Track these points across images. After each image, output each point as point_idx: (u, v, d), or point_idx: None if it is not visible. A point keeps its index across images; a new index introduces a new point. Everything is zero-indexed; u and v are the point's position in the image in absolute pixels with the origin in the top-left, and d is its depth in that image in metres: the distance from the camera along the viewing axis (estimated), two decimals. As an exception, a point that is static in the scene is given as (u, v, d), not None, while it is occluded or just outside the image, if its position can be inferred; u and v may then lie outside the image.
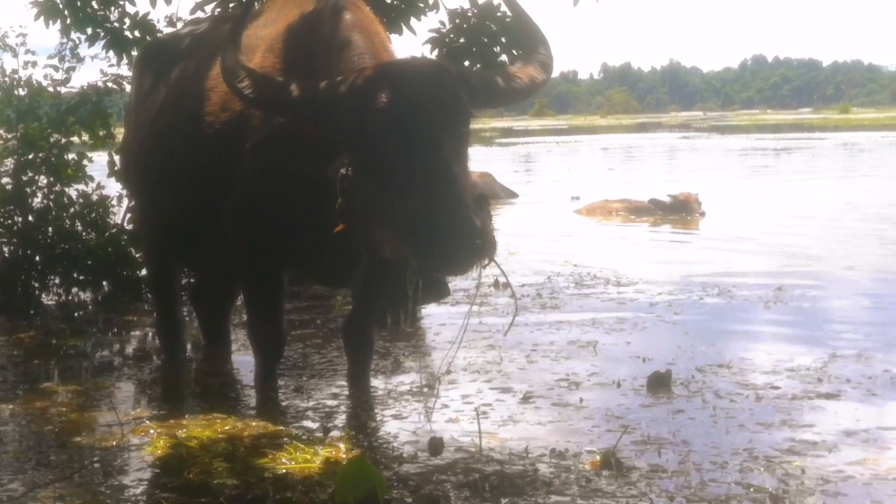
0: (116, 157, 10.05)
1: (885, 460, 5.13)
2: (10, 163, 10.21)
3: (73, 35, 10.53)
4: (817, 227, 15.08)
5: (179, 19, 10.67)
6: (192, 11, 10.45)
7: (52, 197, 10.25)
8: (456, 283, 10.30)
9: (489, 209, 4.93)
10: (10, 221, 10.14)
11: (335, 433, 5.73)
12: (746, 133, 64.08)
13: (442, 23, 10.87)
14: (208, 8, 10.34)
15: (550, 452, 5.28)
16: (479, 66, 10.82)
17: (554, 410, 6.10)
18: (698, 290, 10.00)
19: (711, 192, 19.05)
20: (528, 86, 5.44)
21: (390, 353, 7.56)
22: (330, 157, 5.21)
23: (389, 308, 6.22)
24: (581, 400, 6.27)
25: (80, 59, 10.64)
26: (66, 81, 10.58)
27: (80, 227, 10.29)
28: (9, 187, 10.13)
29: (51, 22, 10.47)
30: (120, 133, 9.29)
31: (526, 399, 6.33)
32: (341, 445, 5.43)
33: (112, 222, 10.42)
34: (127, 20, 10.67)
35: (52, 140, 10.20)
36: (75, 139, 10.54)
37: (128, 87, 9.89)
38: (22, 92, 10.35)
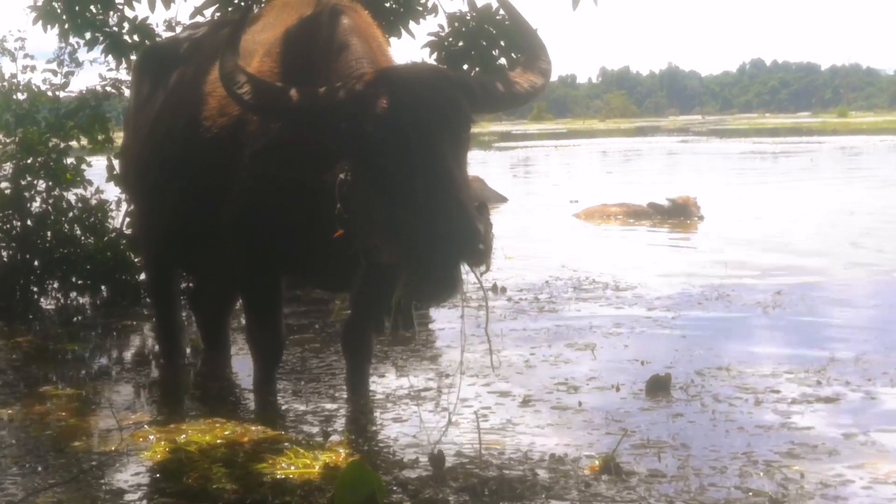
0: (115, 162, 10.05)
1: (884, 464, 5.13)
2: (8, 167, 10.21)
3: (72, 39, 10.53)
4: (816, 231, 15.09)
5: (178, 24, 10.67)
6: (192, 16, 10.46)
7: (50, 201, 10.24)
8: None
9: (489, 217, 4.92)
10: (8, 226, 10.13)
11: (334, 437, 5.73)
12: (745, 137, 64.07)
13: (441, 26, 10.87)
14: (207, 12, 10.34)
15: (550, 457, 5.28)
16: (478, 69, 10.82)
17: (553, 414, 6.10)
18: (697, 293, 10.01)
19: (710, 195, 19.07)
20: (528, 91, 5.43)
21: (389, 357, 7.56)
22: (329, 163, 5.20)
23: (386, 313, 6.21)
24: (580, 404, 6.27)
25: (79, 64, 10.63)
26: (64, 86, 10.58)
27: (78, 232, 10.28)
28: (7, 192, 10.13)
29: (49, 26, 10.47)
30: (119, 137, 9.29)
31: (525, 403, 6.33)
32: (340, 450, 5.42)
33: (111, 227, 10.41)
34: (126, 24, 10.67)
35: (50, 144, 10.20)
36: (74, 143, 10.53)
37: (127, 92, 9.90)
38: (21, 96, 10.36)
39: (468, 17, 10.76)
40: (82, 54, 10.65)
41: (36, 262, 10.12)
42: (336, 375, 7.11)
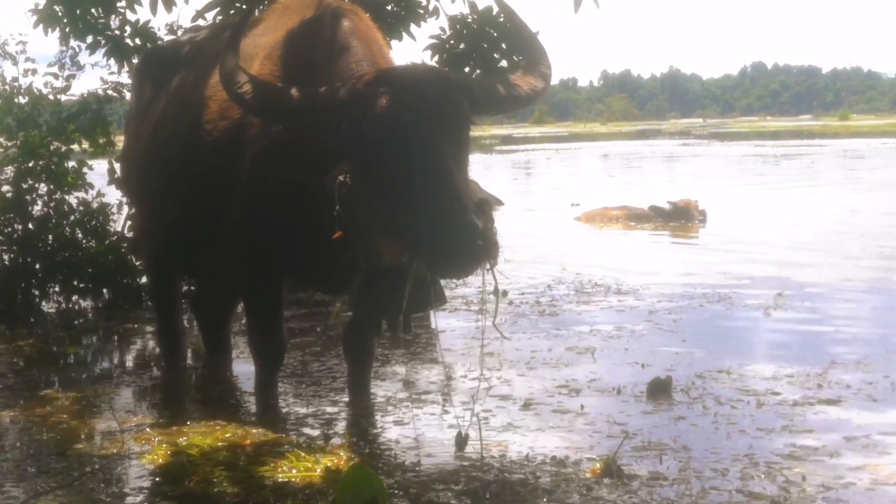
0: (116, 165, 10.05)
1: (885, 466, 5.13)
2: (10, 171, 10.21)
3: (73, 43, 10.54)
4: (817, 234, 15.09)
5: (180, 27, 10.68)
6: (194, 19, 10.48)
7: (52, 205, 10.24)
8: (455, 290, 10.32)
9: (491, 213, 4.91)
10: (10, 229, 10.14)
11: (336, 440, 5.74)
12: (746, 140, 64.05)
13: (442, 29, 10.89)
14: (209, 15, 10.35)
15: (551, 460, 5.28)
16: (479, 72, 10.84)
17: (554, 417, 6.10)
18: (698, 296, 10.00)
19: (711, 198, 19.07)
20: (529, 94, 5.43)
21: (390, 361, 7.56)
22: (329, 164, 5.20)
23: (386, 316, 6.21)
24: (581, 407, 6.26)
25: (81, 67, 10.65)
26: (66, 89, 10.59)
27: (80, 235, 10.28)
28: (9, 195, 10.13)
29: (50, 30, 10.48)
30: (120, 141, 9.29)
31: (526, 406, 6.33)
32: (342, 453, 5.42)
33: (112, 230, 10.42)
34: (128, 28, 10.69)
35: (52, 148, 10.20)
36: (75, 147, 10.54)
37: (128, 95, 9.89)
38: (22, 100, 10.36)
39: (469, 20, 10.79)
40: (84, 58, 10.69)
41: (37, 266, 10.12)
42: (337, 378, 7.11)
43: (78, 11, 10.41)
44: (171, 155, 6.60)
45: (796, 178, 28.15)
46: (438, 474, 5.12)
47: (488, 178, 28.71)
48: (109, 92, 10.80)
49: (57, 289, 10.27)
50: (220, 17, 10.18)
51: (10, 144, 10.27)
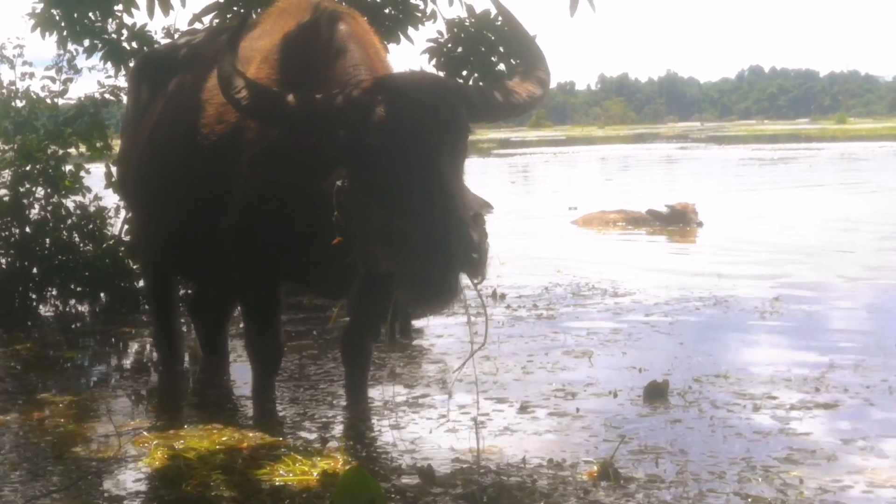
0: (114, 169, 10.03)
1: (883, 469, 5.13)
2: (7, 174, 10.20)
3: (71, 46, 10.54)
4: (814, 238, 15.09)
5: (177, 30, 10.67)
6: (191, 22, 10.48)
7: (49, 208, 10.23)
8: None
9: (484, 226, 4.93)
10: (7, 233, 10.13)
11: (333, 444, 5.73)
12: (744, 143, 64.13)
13: (440, 32, 10.89)
14: (206, 19, 10.35)
15: (548, 463, 5.28)
16: (476, 75, 10.85)
17: (551, 421, 6.10)
18: (695, 300, 10.01)
19: (708, 202, 19.09)
20: (526, 101, 5.43)
21: (387, 364, 7.56)
22: (326, 169, 5.20)
23: (383, 321, 6.22)
24: (578, 410, 6.26)
25: (78, 71, 10.64)
26: (63, 93, 10.59)
27: (77, 239, 10.28)
28: (6, 199, 10.12)
29: (47, 33, 10.48)
30: (117, 144, 9.28)
31: (523, 409, 6.33)
32: (339, 456, 5.42)
33: (109, 234, 10.41)
34: (125, 31, 10.68)
35: (49, 151, 10.19)
36: (73, 150, 10.53)
37: (125, 99, 9.88)
38: (19, 103, 10.35)
39: (467, 24, 10.79)
40: (81, 61, 10.67)
41: (35, 270, 10.11)
42: (334, 382, 7.11)
43: (75, 15, 10.40)
44: (169, 158, 6.60)
45: (794, 182, 28.16)
46: (435, 478, 5.11)
47: (486, 182, 28.75)
48: (107, 95, 10.79)
49: (54, 292, 10.27)
50: (216, 21, 10.18)
51: (7, 148, 10.26)
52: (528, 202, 23.39)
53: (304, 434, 5.96)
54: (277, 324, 6.38)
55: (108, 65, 10.72)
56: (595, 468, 5.10)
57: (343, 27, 5.92)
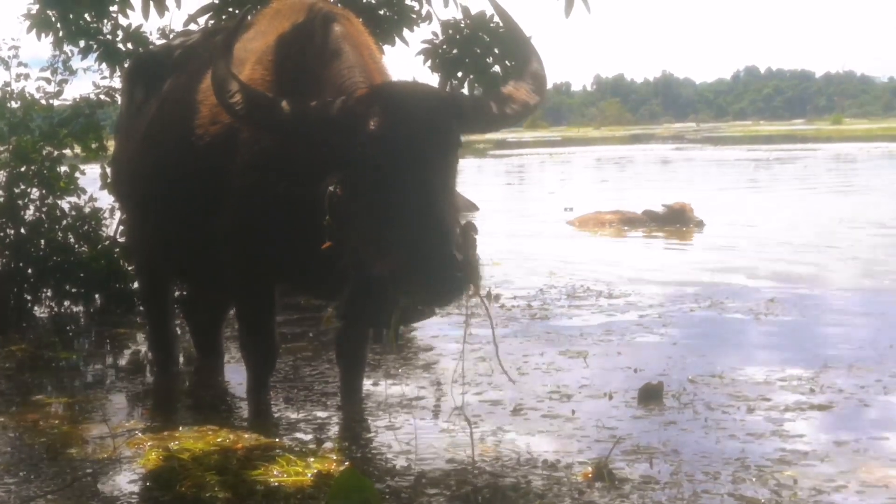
0: (109, 170, 10.03)
1: (877, 469, 5.14)
2: (2, 175, 10.17)
3: (66, 47, 10.53)
4: (809, 238, 15.10)
5: (172, 31, 10.67)
6: (186, 24, 10.47)
7: (44, 209, 10.21)
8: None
9: (475, 239, 4.94)
10: (1, 234, 10.09)
11: (327, 445, 5.74)
12: (739, 144, 64.22)
13: (435, 34, 10.90)
14: (201, 20, 10.35)
15: (542, 464, 5.29)
16: (472, 76, 10.86)
17: (545, 422, 6.10)
18: (690, 301, 10.02)
19: (704, 202, 19.07)
20: (521, 111, 5.43)
21: (381, 365, 7.56)
22: (320, 175, 5.21)
23: (373, 327, 6.22)
24: (572, 411, 6.27)
25: (73, 72, 10.63)
26: (58, 94, 10.57)
27: (72, 240, 10.26)
28: (1, 200, 10.10)
29: (43, 34, 10.48)
30: (112, 145, 9.28)
31: (517, 411, 6.33)
32: (333, 457, 5.43)
33: (104, 235, 10.39)
34: (120, 32, 10.69)
35: (44, 153, 10.16)
36: (68, 152, 10.51)
37: (120, 100, 9.88)
38: (14, 104, 10.33)
39: (462, 25, 10.80)
40: (76, 62, 10.67)
41: (29, 271, 10.08)
42: (329, 383, 7.11)
43: (71, 16, 10.41)
44: (163, 159, 6.60)
45: (789, 182, 28.22)
46: (430, 479, 5.12)
47: (481, 183, 28.78)
48: (102, 96, 10.78)
49: (49, 294, 10.25)
50: (211, 22, 10.18)
51: (2, 149, 10.22)
52: (523, 203, 23.41)
53: (298, 435, 5.97)
54: (272, 325, 6.38)
55: (104, 66, 10.73)
56: (589, 469, 5.11)
57: (338, 28, 5.92)
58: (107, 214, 10.43)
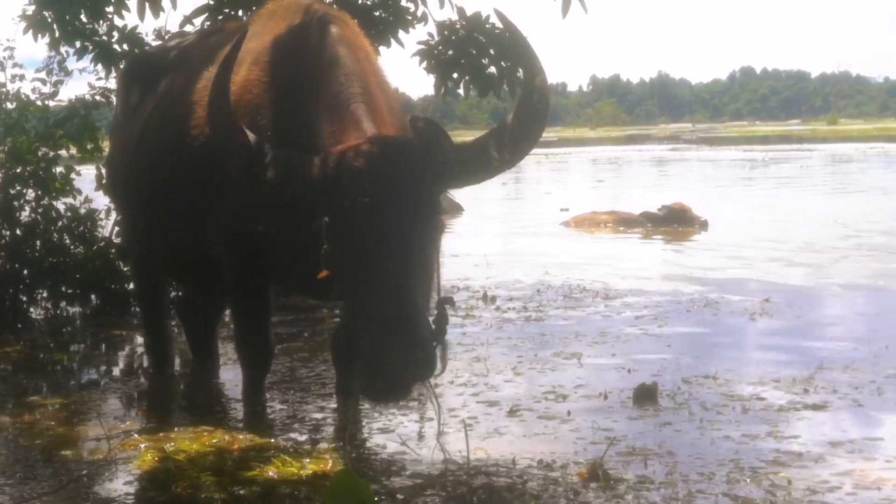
0: (104, 170, 10.04)
1: (871, 471, 5.15)
2: (-3, 177, 10.19)
3: (62, 48, 10.53)
4: (805, 239, 15.11)
5: (167, 32, 10.67)
6: (182, 24, 10.47)
7: (39, 210, 10.22)
8: (444, 295, 10.31)
9: (447, 316, 4.96)
10: (-3, 235, 10.11)
11: (323, 446, 5.74)
12: (735, 145, 64.24)
13: (430, 35, 10.90)
14: (197, 21, 10.35)
15: (538, 464, 5.29)
16: (467, 78, 10.86)
17: (541, 423, 6.11)
18: (685, 301, 10.03)
19: (700, 203, 19.08)
20: (508, 162, 5.10)
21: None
22: (309, 218, 5.12)
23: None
24: (568, 412, 6.28)
25: (69, 73, 10.64)
26: (54, 95, 10.58)
27: (68, 241, 10.26)
28: (-4, 201, 10.11)
29: (39, 36, 10.48)
30: (108, 146, 9.28)
31: (513, 412, 6.34)
32: (329, 458, 5.43)
33: (100, 236, 10.40)
34: (115, 33, 10.69)
35: (39, 153, 10.17)
36: (63, 153, 10.52)
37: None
38: (10, 105, 10.35)
39: (458, 26, 10.80)
40: (71, 63, 10.67)
41: (25, 272, 10.08)
42: (325, 384, 7.11)
43: (67, 17, 10.41)
44: (159, 160, 6.60)
45: (785, 183, 28.23)
46: (426, 480, 5.13)
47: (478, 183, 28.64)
48: (97, 97, 10.80)
49: (45, 295, 10.25)
50: (207, 23, 10.18)
51: (-3, 150, 10.25)
52: (519, 203, 23.41)
53: (294, 436, 5.97)
54: (268, 326, 6.38)
55: (99, 67, 10.73)
56: (585, 469, 5.12)
57: (334, 30, 5.92)
58: (102, 215, 10.45)
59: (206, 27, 9.88)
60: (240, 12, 10.23)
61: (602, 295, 10.52)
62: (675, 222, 17.22)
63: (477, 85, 10.93)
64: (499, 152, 5.00)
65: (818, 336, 8.47)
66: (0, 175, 10.15)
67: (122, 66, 9.78)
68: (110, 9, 10.64)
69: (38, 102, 10.50)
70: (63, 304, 10.29)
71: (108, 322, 9.74)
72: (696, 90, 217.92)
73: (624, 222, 17.65)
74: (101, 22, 10.66)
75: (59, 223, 10.28)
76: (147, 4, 10.27)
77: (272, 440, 5.82)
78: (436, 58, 10.86)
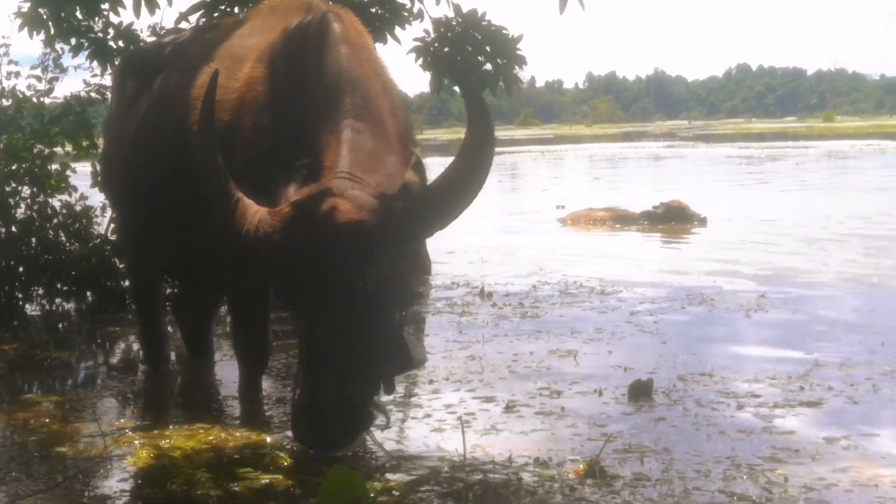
0: (99, 167, 10.02)
1: (867, 468, 5.14)
2: (-7, 174, 10.18)
3: (57, 45, 10.52)
4: (801, 236, 15.11)
5: (163, 29, 10.67)
6: (177, 21, 10.47)
7: (35, 208, 10.21)
8: (440, 293, 10.33)
9: (409, 353, 5.20)
10: (-7, 232, 10.10)
11: (319, 443, 5.71)
12: (731, 142, 64.19)
13: (426, 31, 10.91)
14: (192, 18, 10.35)
15: (534, 461, 5.28)
16: (463, 74, 10.85)
17: (537, 419, 6.10)
18: (681, 298, 10.02)
19: (696, 200, 19.07)
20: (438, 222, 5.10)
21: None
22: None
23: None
24: (563, 409, 6.27)
25: (64, 70, 10.65)
26: (49, 92, 10.58)
27: (63, 238, 10.26)
28: (-8, 198, 10.10)
29: (34, 32, 10.47)
30: (102, 143, 9.27)
31: (509, 408, 6.33)
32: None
33: (96, 233, 10.40)
34: (111, 30, 10.69)
35: (35, 151, 10.16)
36: (59, 150, 10.51)
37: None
38: (5, 102, 10.34)
39: (454, 23, 10.80)
40: (67, 60, 10.69)
41: (21, 269, 10.08)
42: (321, 381, 7.09)
43: (62, 14, 10.40)
44: (155, 157, 6.58)
45: (781, 180, 28.23)
46: (421, 476, 5.12)
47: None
48: (92, 94, 10.80)
49: (40, 292, 10.24)
50: (203, 20, 10.17)
51: (-8, 148, 10.24)
52: (515, 200, 23.40)
53: (290, 433, 5.95)
54: (265, 323, 6.37)
55: (94, 63, 10.73)
56: (581, 466, 5.11)
57: (336, 27, 5.85)
58: (98, 212, 10.45)
59: (201, 24, 9.87)
60: (235, 9, 10.23)
61: (598, 291, 10.51)
62: (673, 219, 17.19)
63: (473, 82, 10.93)
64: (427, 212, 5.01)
65: (814, 333, 8.47)
66: (-5, 172, 10.14)
67: (117, 63, 9.78)
68: (106, 5, 10.65)
69: (34, 99, 10.49)
70: (59, 301, 10.29)
71: (104, 319, 9.74)
72: (693, 87, 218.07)
73: (620, 219, 17.64)
74: (96, 18, 10.67)
75: (55, 220, 10.27)
76: (143, 1, 10.27)
77: (268, 437, 5.81)
78: (431, 55, 10.87)
